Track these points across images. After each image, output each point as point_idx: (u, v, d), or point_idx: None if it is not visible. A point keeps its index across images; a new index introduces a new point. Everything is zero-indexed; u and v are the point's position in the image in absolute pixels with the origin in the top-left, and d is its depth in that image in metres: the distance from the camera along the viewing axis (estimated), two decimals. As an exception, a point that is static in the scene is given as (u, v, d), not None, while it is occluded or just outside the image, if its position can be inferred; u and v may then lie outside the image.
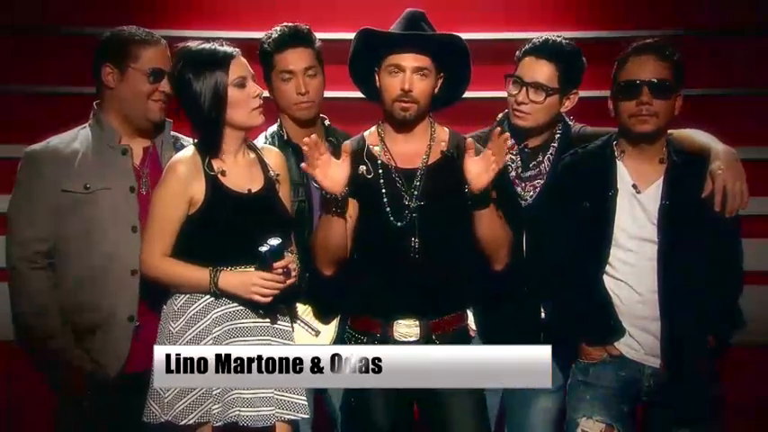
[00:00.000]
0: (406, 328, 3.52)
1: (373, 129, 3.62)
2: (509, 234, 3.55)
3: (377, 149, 3.56)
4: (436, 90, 3.55)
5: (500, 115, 3.92)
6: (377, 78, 3.55)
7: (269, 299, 3.32)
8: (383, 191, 3.52)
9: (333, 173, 3.38)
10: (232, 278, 3.33)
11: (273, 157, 3.56)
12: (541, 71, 3.75)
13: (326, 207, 3.44)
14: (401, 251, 3.49)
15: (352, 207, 3.50)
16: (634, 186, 3.57)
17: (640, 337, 3.57)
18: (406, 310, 3.52)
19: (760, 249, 4.47)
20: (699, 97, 4.45)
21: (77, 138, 3.64)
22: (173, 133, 3.74)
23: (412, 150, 3.57)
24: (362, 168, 3.53)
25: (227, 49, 3.41)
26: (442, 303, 3.57)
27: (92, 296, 3.55)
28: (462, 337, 3.62)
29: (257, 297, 3.30)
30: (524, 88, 3.74)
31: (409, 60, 3.47)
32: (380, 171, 3.54)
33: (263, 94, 3.51)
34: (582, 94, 3.84)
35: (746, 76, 4.85)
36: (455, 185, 3.47)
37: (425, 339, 3.52)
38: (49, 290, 3.55)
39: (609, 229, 3.55)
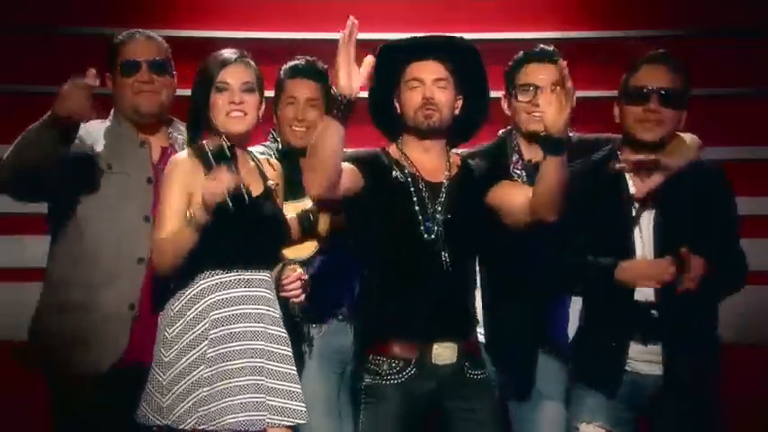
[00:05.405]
0: (444, 349, 3.46)
1: (392, 146, 3.59)
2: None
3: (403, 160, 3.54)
4: (457, 110, 3.54)
5: (501, 132, 3.87)
6: (396, 102, 3.54)
7: (223, 195, 3.20)
8: (414, 199, 3.50)
9: (354, 74, 3.26)
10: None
11: (272, 168, 3.58)
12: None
13: (332, 107, 3.29)
14: (434, 266, 3.45)
15: (355, 177, 3.44)
16: (632, 195, 3.55)
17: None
18: (443, 330, 3.45)
19: (760, 249, 4.46)
20: (699, 97, 4.45)
21: (102, 127, 3.69)
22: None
23: (433, 166, 3.55)
24: (396, 173, 3.53)
25: None
26: (471, 323, 3.56)
27: (93, 274, 3.56)
28: (483, 364, 3.55)
29: (208, 194, 3.19)
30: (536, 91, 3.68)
31: (429, 72, 3.48)
32: (409, 180, 3.53)
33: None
34: (582, 94, 3.83)
35: (746, 77, 4.86)
36: (476, 201, 3.50)
37: (459, 364, 3.46)
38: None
39: (610, 239, 3.54)
